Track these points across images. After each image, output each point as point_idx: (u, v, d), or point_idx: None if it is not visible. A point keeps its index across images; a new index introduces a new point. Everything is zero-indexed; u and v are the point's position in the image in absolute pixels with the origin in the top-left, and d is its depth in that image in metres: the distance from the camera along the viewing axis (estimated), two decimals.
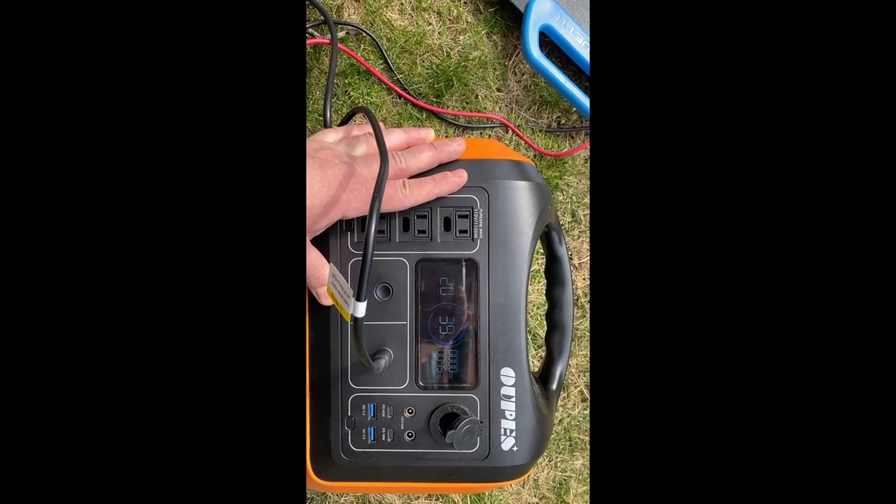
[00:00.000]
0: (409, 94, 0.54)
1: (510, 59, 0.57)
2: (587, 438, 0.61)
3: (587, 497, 0.61)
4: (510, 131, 0.57)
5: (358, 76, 0.53)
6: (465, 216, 0.37)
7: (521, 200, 0.37)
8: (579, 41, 0.55)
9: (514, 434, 0.37)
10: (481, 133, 0.57)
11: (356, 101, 0.53)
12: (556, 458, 0.60)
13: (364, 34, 0.54)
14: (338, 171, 0.33)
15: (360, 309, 0.30)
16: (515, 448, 0.37)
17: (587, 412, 0.61)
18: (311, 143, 0.35)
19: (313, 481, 0.37)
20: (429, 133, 0.39)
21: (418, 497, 0.56)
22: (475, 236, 0.36)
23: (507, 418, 0.37)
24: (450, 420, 0.36)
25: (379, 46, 0.54)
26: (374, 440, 0.36)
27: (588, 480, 0.61)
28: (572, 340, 0.61)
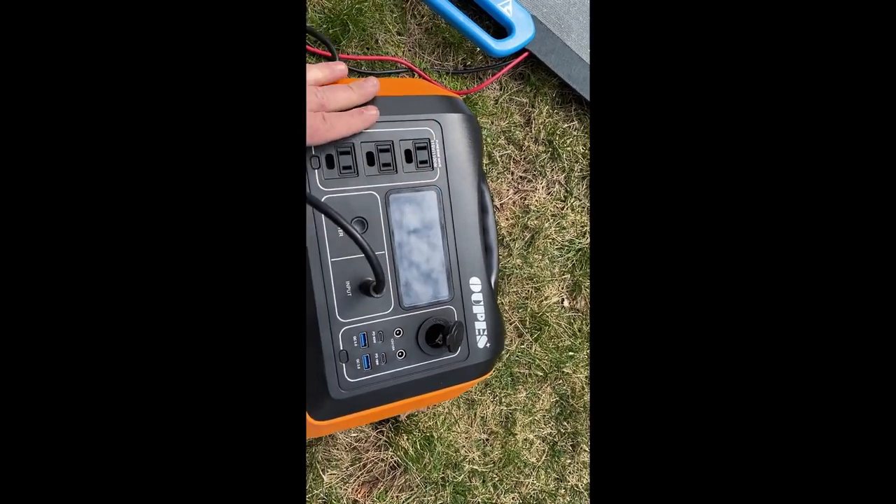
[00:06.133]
0: (334, 43, 0.52)
1: (407, 2, 0.56)
2: (527, 371, 0.64)
3: (533, 426, 0.64)
4: (416, 76, 0.56)
5: None
6: (424, 147, 0.40)
7: (466, 130, 0.42)
8: None
9: (486, 332, 0.43)
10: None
11: None
12: (500, 393, 0.62)
13: None
14: None
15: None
16: (489, 344, 0.43)
17: (524, 346, 0.63)
18: None
19: (311, 426, 0.38)
20: (343, 66, 0.40)
21: (367, 450, 0.56)
22: (435, 165, 0.41)
23: (479, 320, 0.42)
24: (437, 331, 0.40)
25: None
26: (369, 367, 0.39)
27: (532, 411, 0.64)
28: (502, 280, 0.62)
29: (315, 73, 0.38)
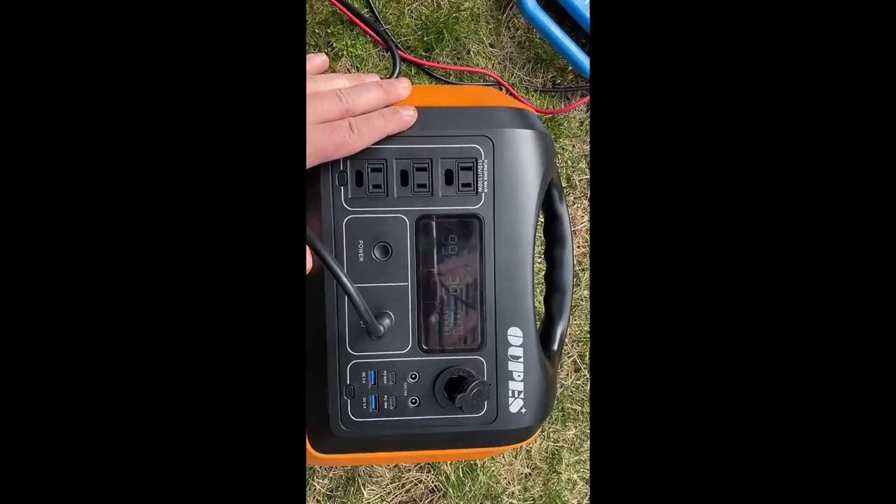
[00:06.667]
0: (396, 46, 0.50)
1: (504, 13, 0.54)
2: (580, 409, 0.60)
3: (578, 467, 0.61)
4: (503, 90, 0.54)
5: (342, 25, 0.49)
6: (469, 168, 0.34)
7: (528, 150, 0.35)
8: None
9: (521, 395, 0.35)
10: None
11: (340, 54, 0.50)
12: (549, 428, 0.59)
13: None
14: None
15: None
16: (524, 410, 0.36)
17: (580, 382, 0.60)
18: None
19: (310, 455, 0.35)
20: (373, 77, 0.36)
21: (409, 469, 0.55)
22: (479, 190, 0.34)
23: (514, 379, 0.35)
24: (457, 384, 0.34)
25: None
26: (376, 409, 0.34)
27: (579, 451, 0.61)
28: None
29: (342, 81, 0.34)
